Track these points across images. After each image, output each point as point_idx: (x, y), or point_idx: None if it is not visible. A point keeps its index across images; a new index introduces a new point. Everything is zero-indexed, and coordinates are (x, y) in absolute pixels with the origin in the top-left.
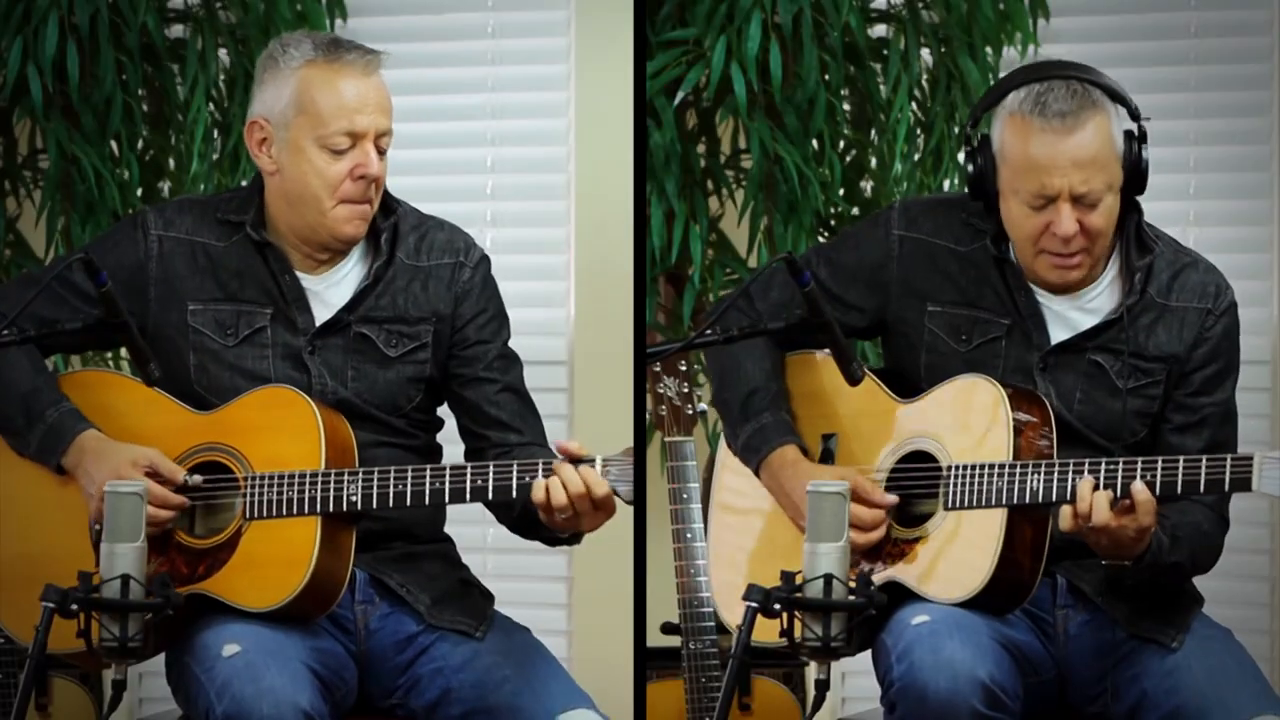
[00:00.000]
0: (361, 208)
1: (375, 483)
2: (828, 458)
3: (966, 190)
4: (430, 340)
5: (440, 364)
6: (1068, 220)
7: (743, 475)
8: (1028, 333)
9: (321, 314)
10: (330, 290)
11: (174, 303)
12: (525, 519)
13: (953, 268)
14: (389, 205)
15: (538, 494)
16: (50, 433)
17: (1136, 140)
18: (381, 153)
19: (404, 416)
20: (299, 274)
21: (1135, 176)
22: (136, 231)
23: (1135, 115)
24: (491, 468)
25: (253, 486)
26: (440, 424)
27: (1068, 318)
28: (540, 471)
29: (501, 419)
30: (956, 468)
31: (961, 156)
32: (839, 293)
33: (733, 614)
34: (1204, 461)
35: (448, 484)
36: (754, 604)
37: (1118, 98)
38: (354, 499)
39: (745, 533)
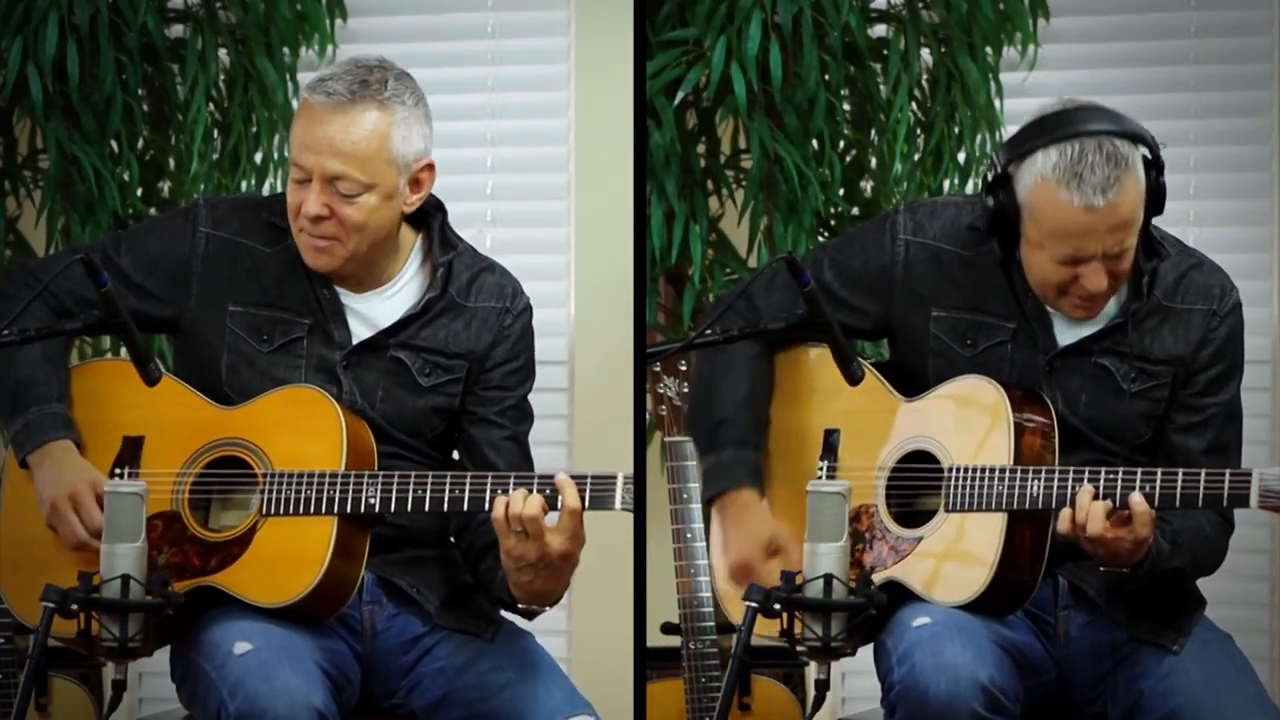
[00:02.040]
0: (317, 242)
1: (395, 487)
2: (830, 454)
3: (981, 225)
4: (463, 375)
5: (463, 396)
6: (1099, 279)
7: None
8: (1034, 336)
9: (360, 332)
10: (373, 310)
11: (214, 302)
12: (492, 567)
13: (958, 272)
14: (450, 241)
15: (496, 509)
16: (25, 428)
17: (1155, 169)
18: (346, 196)
19: (424, 441)
20: (340, 290)
21: (1155, 203)
22: (187, 225)
23: (1154, 147)
24: (512, 477)
25: (271, 483)
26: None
27: (1074, 323)
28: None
29: (498, 465)
30: (957, 470)
31: (976, 170)
32: (844, 295)
33: (735, 604)
34: (1203, 476)
35: (468, 492)
36: (754, 604)
37: (1139, 139)
38: (373, 502)
39: None
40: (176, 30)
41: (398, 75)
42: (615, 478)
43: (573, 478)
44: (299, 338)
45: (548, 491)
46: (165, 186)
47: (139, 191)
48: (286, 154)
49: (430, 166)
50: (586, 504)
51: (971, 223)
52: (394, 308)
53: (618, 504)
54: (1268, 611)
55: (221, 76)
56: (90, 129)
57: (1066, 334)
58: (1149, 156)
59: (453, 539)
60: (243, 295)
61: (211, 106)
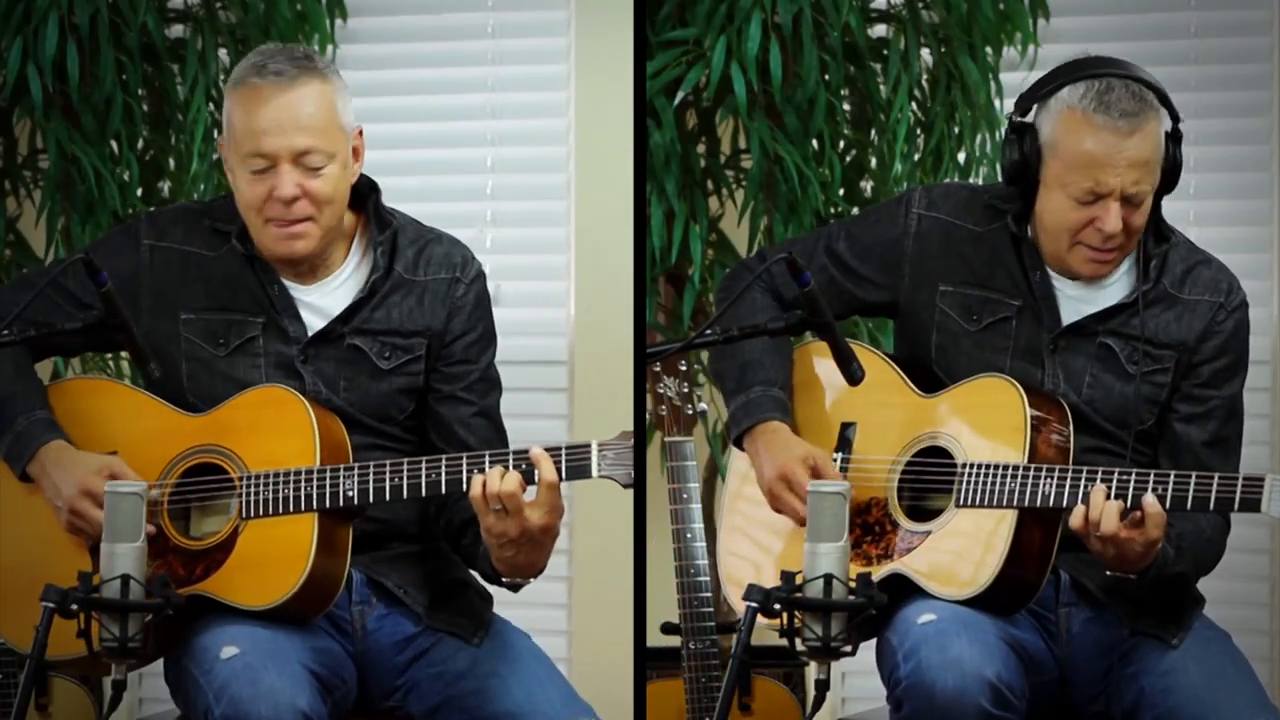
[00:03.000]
0: (293, 228)
1: (371, 477)
2: (846, 447)
3: (1001, 176)
4: (424, 353)
5: (426, 374)
6: (1115, 219)
7: None
8: (1039, 314)
9: (314, 323)
10: (323, 300)
11: (166, 312)
12: (474, 541)
13: (967, 248)
14: (385, 219)
15: (474, 488)
16: (16, 441)
17: (1174, 142)
18: (314, 169)
19: (396, 424)
20: (288, 283)
21: (1170, 177)
22: (129, 241)
23: (1176, 118)
24: (487, 456)
25: (248, 486)
26: None
27: (1080, 301)
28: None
29: (470, 443)
30: (971, 466)
31: (977, 166)
32: (855, 265)
33: (738, 589)
34: (1215, 480)
35: (444, 475)
36: (754, 604)
37: (1165, 100)
38: (350, 494)
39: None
40: (176, 30)
41: (313, 51)
42: (589, 445)
43: (547, 449)
44: (254, 337)
45: (524, 466)
46: (165, 186)
47: (139, 191)
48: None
49: (361, 133)
50: (563, 475)
51: (988, 200)
52: (343, 295)
53: (594, 472)
54: (1268, 611)
55: (222, 76)
56: (90, 129)
57: (1071, 313)
58: (1169, 128)
59: (434, 517)
60: (193, 302)
61: (212, 106)
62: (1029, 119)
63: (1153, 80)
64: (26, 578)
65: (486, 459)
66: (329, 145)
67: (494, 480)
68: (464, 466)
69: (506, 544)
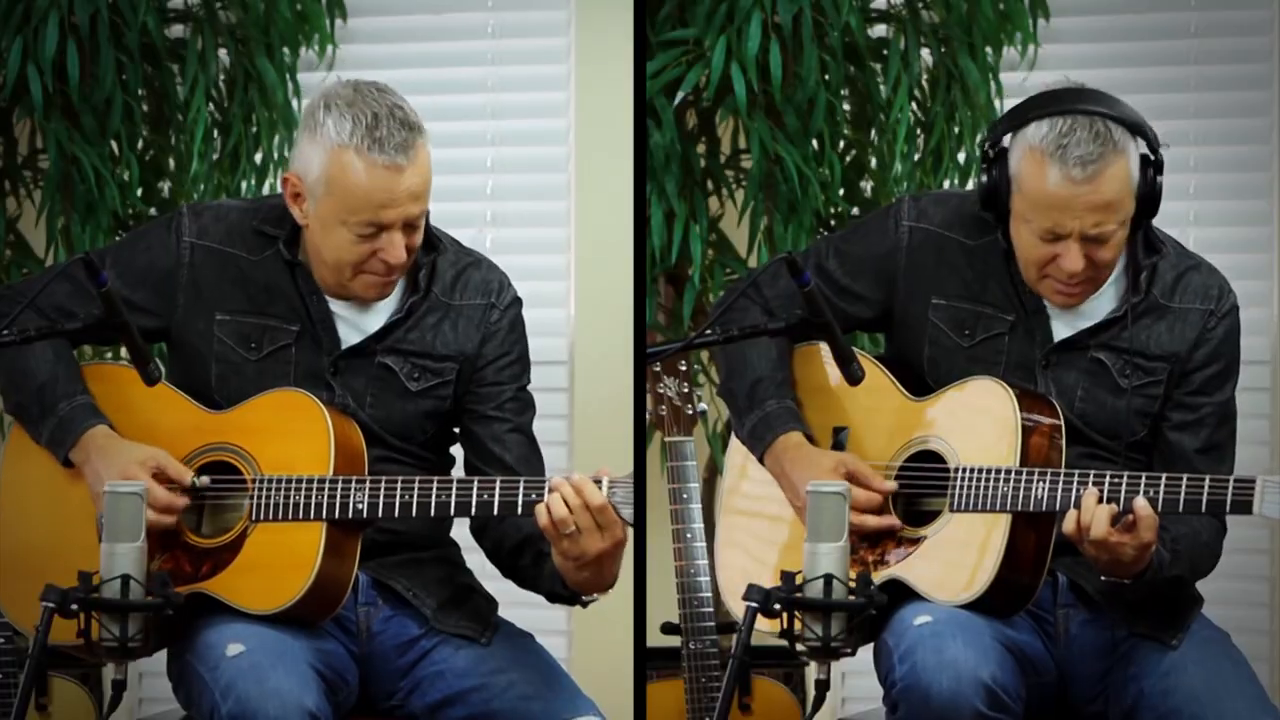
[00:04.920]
0: (385, 279)
1: (382, 492)
2: (838, 450)
3: (978, 200)
4: (454, 378)
5: (457, 398)
6: (1075, 259)
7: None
8: (1031, 329)
9: (348, 337)
10: (359, 316)
11: (201, 311)
12: (534, 562)
13: (960, 261)
14: (431, 242)
15: (541, 517)
16: (60, 425)
17: (1153, 168)
18: (417, 228)
19: (415, 443)
20: (327, 297)
21: (1149, 203)
22: (170, 236)
23: (1154, 145)
24: (498, 483)
25: (260, 488)
26: (451, 444)
27: (1072, 315)
28: (545, 491)
29: (505, 460)
30: (964, 470)
31: (976, 168)
32: (847, 283)
33: (738, 601)
34: (1207, 481)
35: (454, 497)
36: (754, 604)
37: (1138, 130)
38: (360, 507)
39: (763, 521)
40: (176, 30)
41: (401, 98)
42: (601, 481)
43: (548, 479)
44: (287, 345)
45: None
46: (165, 186)
47: (139, 191)
48: (285, 154)
49: None
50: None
51: (978, 211)
52: (380, 312)
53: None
54: (1267, 611)
55: (221, 76)
56: (90, 129)
57: (1063, 328)
58: (1148, 155)
59: (473, 537)
60: (230, 303)
61: (211, 106)
62: (1004, 144)
63: (1124, 113)
64: (36, 558)
65: (497, 485)
66: (428, 201)
67: (569, 495)
68: (474, 490)
69: (584, 565)
